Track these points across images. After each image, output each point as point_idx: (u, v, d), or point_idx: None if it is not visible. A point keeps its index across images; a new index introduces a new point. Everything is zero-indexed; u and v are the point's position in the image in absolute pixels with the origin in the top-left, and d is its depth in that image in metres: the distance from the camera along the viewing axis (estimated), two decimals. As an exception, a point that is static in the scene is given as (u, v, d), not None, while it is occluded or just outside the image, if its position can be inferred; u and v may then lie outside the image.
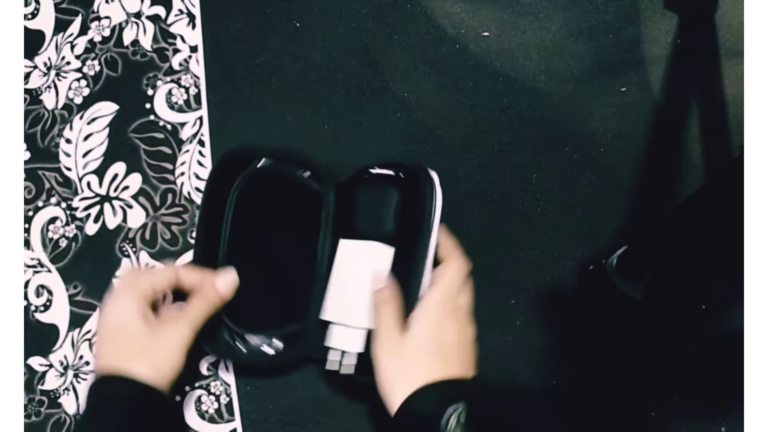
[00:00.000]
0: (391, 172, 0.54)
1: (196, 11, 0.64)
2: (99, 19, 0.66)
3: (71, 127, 0.64)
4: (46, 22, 0.67)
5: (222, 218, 0.56)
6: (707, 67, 0.57)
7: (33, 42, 0.67)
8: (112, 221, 0.62)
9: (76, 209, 0.63)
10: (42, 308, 0.62)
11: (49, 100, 0.65)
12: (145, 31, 0.65)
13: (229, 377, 0.57)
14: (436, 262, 0.49)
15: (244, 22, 0.63)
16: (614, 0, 0.59)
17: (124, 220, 0.62)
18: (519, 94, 0.58)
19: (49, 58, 0.66)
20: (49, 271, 0.62)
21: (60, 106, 0.65)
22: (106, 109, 0.64)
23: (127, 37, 0.65)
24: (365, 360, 0.50)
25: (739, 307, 0.52)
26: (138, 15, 0.65)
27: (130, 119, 0.63)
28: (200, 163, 0.62)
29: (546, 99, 0.58)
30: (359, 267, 0.52)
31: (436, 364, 0.44)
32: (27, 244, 0.63)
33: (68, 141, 0.64)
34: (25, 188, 0.64)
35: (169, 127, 0.63)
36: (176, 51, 0.64)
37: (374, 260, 0.52)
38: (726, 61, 0.57)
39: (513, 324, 0.55)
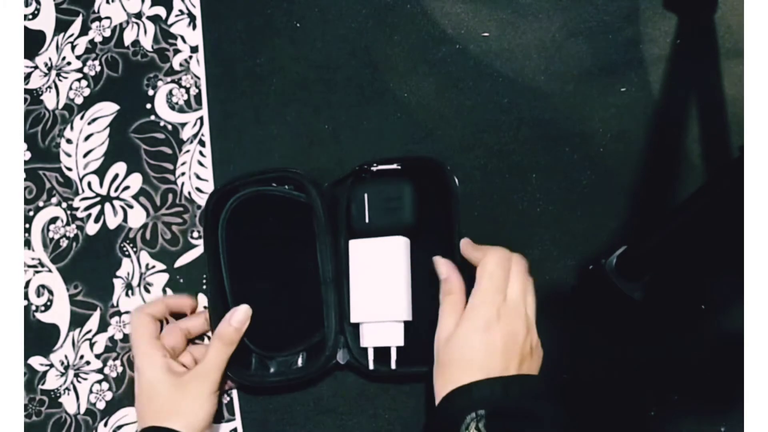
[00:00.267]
0: (398, 166, 0.54)
1: (197, 12, 0.64)
2: (100, 19, 0.66)
3: (72, 128, 0.64)
4: (46, 22, 0.67)
5: (218, 255, 0.56)
6: (707, 67, 0.57)
7: (34, 42, 0.67)
8: (112, 221, 0.62)
9: (76, 209, 0.63)
10: (43, 308, 0.62)
11: (49, 100, 0.65)
12: (145, 32, 0.65)
13: (230, 377, 0.57)
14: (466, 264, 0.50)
15: (244, 23, 0.63)
16: (614, 0, 0.59)
17: (125, 220, 0.62)
18: (519, 94, 0.58)
19: (49, 59, 0.66)
20: (50, 271, 0.62)
21: (61, 106, 0.65)
22: (107, 109, 0.64)
23: (128, 37, 0.65)
24: (387, 353, 0.52)
25: (739, 307, 0.52)
26: (138, 15, 0.65)
27: (130, 119, 0.63)
28: (201, 164, 0.62)
29: (546, 99, 0.58)
30: (376, 264, 0.52)
31: (473, 367, 0.44)
32: (28, 244, 0.63)
33: (69, 141, 0.64)
34: (25, 188, 0.64)
35: (169, 127, 0.63)
36: (177, 51, 0.64)
37: (390, 254, 0.52)
38: (726, 61, 0.57)
39: (513, 324, 0.55)
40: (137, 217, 0.62)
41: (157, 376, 0.51)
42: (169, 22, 0.65)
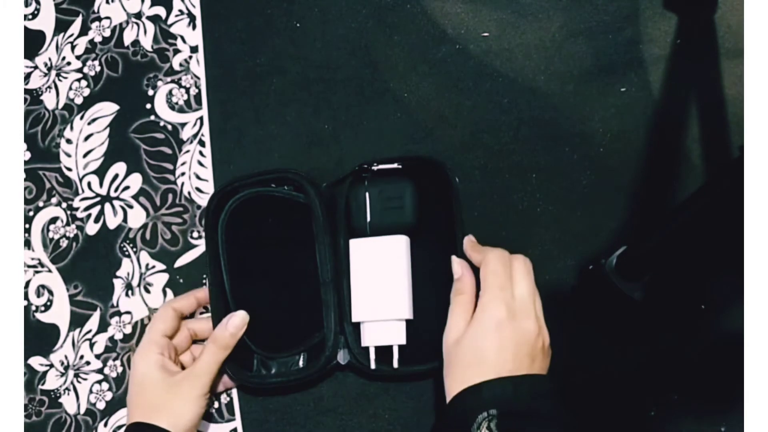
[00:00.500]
0: (398, 166, 0.54)
1: (197, 12, 0.64)
2: (99, 19, 0.66)
3: (72, 128, 0.64)
4: (46, 22, 0.67)
5: (219, 257, 0.56)
6: (707, 67, 0.57)
7: (33, 42, 0.67)
8: (112, 221, 0.62)
9: (76, 209, 0.63)
10: (42, 308, 0.62)
11: (49, 100, 0.65)
12: (145, 32, 0.65)
13: (230, 377, 0.57)
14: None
15: (244, 23, 0.63)
16: (614, 0, 0.59)
17: (125, 220, 0.62)
18: (519, 94, 0.58)
19: (49, 59, 0.66)
20: (50, 271, 0.62)
21: (60, 106, 0.65)
22: (107, 109, 0.64)
23: (128, 37, 0.65)
24: (387, 353, 0.52)
25: (739, 307, 0.52)
26: (138, 15, 0.65)
27: (130, 119, 0.63)
28: (200, 164, 0.62)
29: (546, 99, 0.58)
30: (377, 263, 0.53)
31: (484, 366, 0.43)
32: (27, 244, 0.63)
33: (69, 141, 0.64)
34: (25, 188, 0.64)
35: (169, 127, 0.63)
36: (177, 51, 0.64)
37: (391, 252, 0.53)
38: (726, 62, 0.57)
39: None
40: (137, 217, 0.62)
41: (149, 371, 0.51)
42: (169, 22, 0.65)
